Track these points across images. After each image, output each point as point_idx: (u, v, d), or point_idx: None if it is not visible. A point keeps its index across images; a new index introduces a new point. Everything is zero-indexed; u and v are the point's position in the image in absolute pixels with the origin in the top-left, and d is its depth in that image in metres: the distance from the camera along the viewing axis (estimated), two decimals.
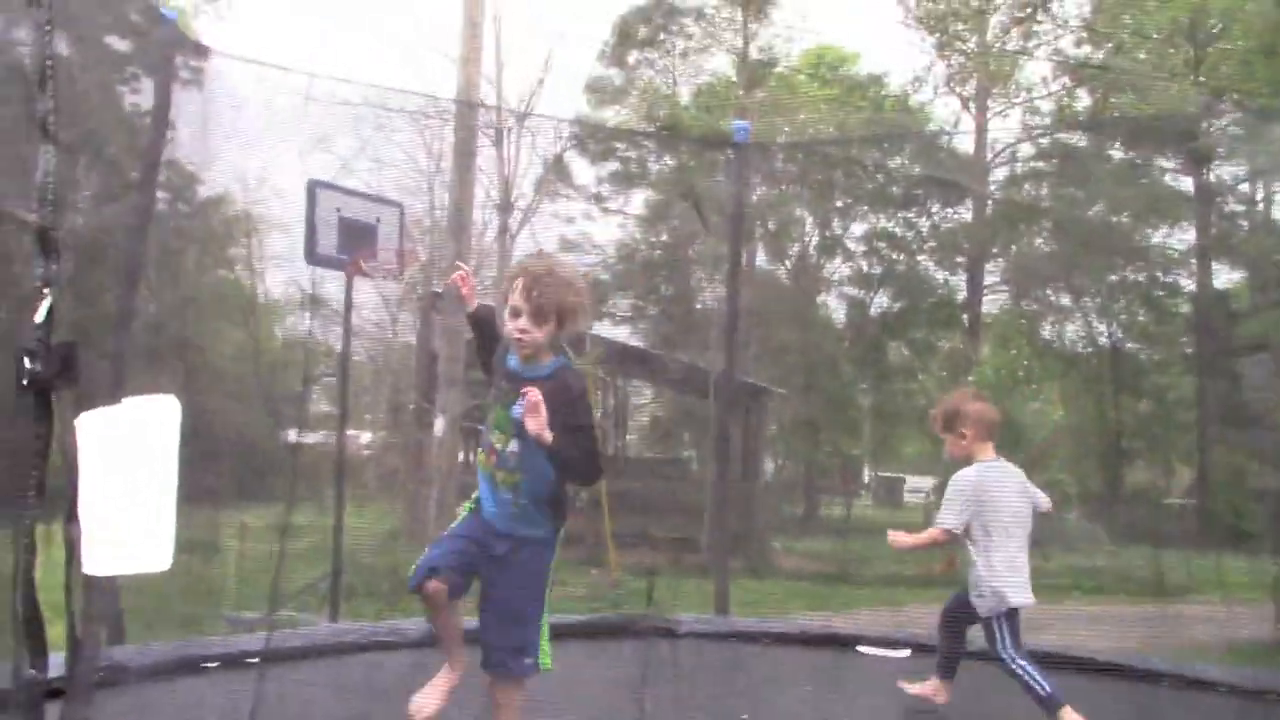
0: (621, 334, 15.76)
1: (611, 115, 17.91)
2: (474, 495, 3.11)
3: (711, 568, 7.07)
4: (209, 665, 4.00)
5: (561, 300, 2.73)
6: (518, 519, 3.02)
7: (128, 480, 1.69)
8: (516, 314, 2.74)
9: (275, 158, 5.26)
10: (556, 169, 14.59)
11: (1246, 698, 4.28)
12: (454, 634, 3.06)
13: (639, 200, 17.57)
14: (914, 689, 4.43)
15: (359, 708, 3.39)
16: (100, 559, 1.73)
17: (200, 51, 4.56)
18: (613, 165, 17.25)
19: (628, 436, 16.67)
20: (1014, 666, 3.92)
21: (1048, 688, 3.83)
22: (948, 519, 3.91)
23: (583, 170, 16.50)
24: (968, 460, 4.08)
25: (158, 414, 1.71)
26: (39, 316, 1.79)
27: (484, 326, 3.13)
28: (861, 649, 5.40)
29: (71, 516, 1.74)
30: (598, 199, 16.94)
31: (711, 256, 18.24)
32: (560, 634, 5.04)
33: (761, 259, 17.33)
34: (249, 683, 3.44)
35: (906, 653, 5.18)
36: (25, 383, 1.75)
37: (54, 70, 1.93)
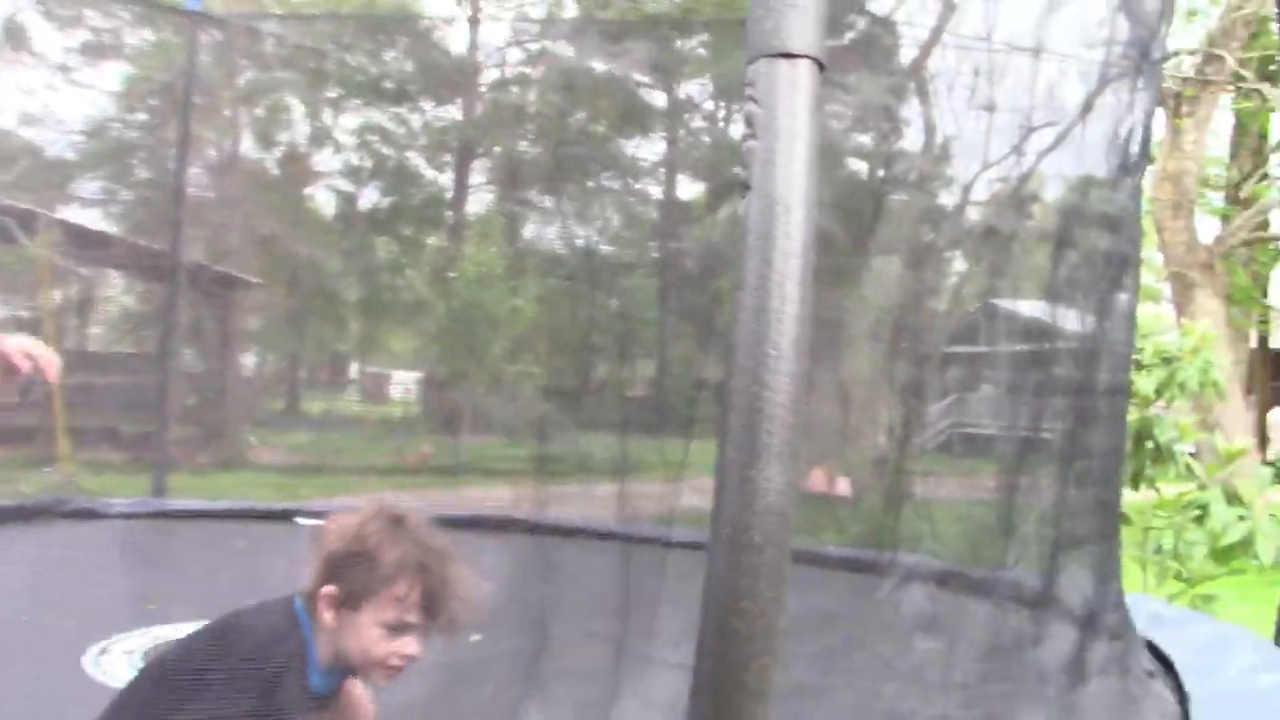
0: (92, 218, 14.70)
1: None
2: None
3: (161, 456, 6.89)
4: None
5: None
6: None
7: None
8: (403, 630, 1.98)
9: None
10: (12, 34, 13.19)
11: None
12: None
13: (114, 74, 16.32)
14: None
15: None
16: None
17: None
18: (83, 34, 15.84)
19: (90, 328, 15.57)
20: None
21: None
22: None
23: (47, 37, 15.04)
24: None
25: None
26: None
27: None
28: (299, 521, 5.52)
29: None
30: (64, 70, 15.49)
31: (193, 139, 17.26)
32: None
33: (249, 146, 16.72)
34: None
35: None
36: None
37: None
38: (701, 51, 17.30)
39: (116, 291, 17.28)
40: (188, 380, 13.83)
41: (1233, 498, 6.75)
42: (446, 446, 13.53)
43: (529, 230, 16.78)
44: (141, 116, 15.91)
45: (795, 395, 1.34)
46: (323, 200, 18.13)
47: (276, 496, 9.56)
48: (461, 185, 16.91)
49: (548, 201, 17.51)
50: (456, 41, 17.79)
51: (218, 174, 16.73)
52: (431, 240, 17.49)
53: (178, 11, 6.38)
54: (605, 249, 17.93)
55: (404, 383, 22.38)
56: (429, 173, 17.33)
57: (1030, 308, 3.43)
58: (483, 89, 17.14)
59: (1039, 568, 2.88)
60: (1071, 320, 3.23)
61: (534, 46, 17.22)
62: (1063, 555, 2.81)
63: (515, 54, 17.10)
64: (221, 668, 1.87)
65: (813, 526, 6.47)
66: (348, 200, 17.30)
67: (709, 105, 18.25)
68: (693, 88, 17.72)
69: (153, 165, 17.22)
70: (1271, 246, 17.66)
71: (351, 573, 1.92)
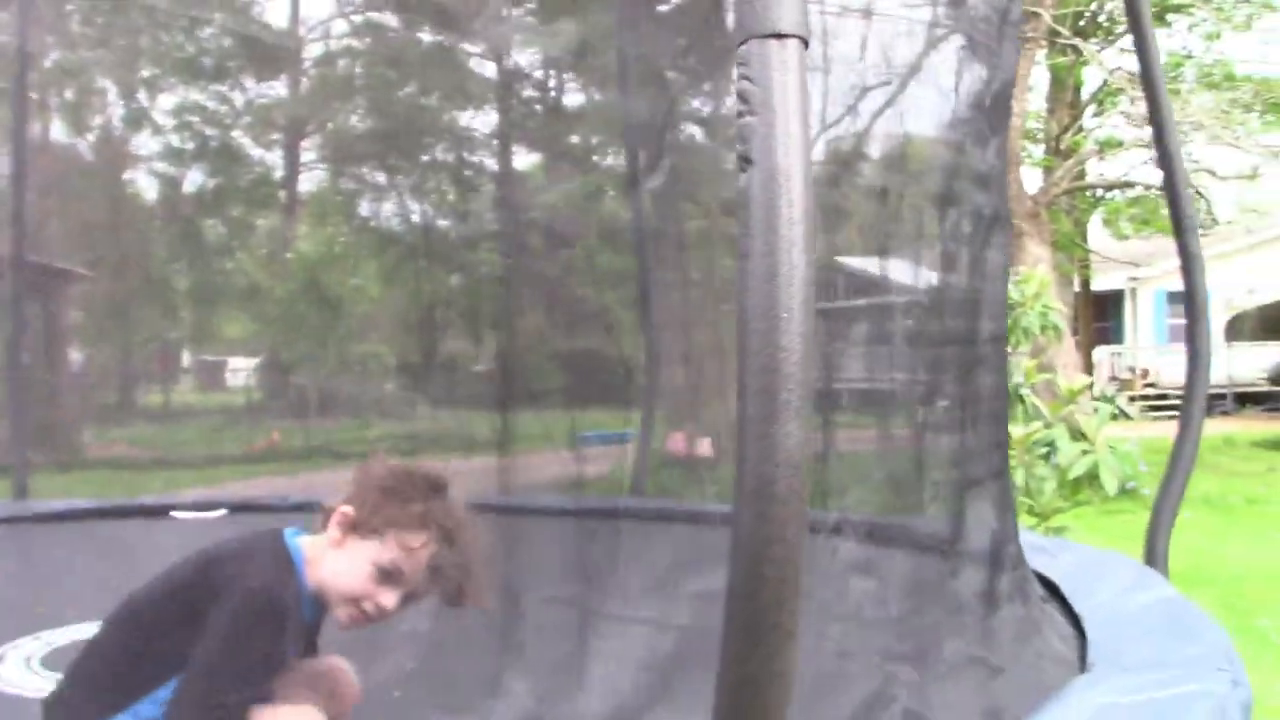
0: None
1: None
2: None
3: (21, 458, 6.65)
4: None
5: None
6: None
7: None
8: (392, 581, 1.92)
9: None
10: None
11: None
12: None
13: None
14: None
15: None
16: None
17: None
18: None
19: None
20: None
21: None
22: None
23: None
24: None
25: None
26: None
27: None
28: (175, 514, 5.42)
29: None
30: None
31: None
32: None
33: (58, 130, 15.98)
34: None
35: (222, 512, 5.29)
36: None
37: None
38: (530, 20, 17.22)
39: None
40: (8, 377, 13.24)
41: (1076, 434, 7.17)
42: (293, 431, 13.28)
43: (365, 207, 16.51)
44: None
45: (807, 354, 1.43)
46: (143, 184, 17.51)
47: (125, 492, 9.28)
48: (292, 164, 16.51)
49: (381, 177, 17.29)
50: (276, 15, 17.36)
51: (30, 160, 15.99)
52: (263, 221, 17.06)
53: None
54: (444, 223, 17.78)
55: (240, 369, 21.78)
56: (256, 152, 16.87)
57: (916, 263, 3.61)
58: (308, 63, 16.76)
59: (948, 508, 3.07)
60: (957, 274, 3.41)
61: (358, 19, 16.89)
62: (967, 494, 3.00)
63: (340, 26, 16.77)
64: (218, 605, 1.86)
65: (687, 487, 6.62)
66: (170, 183, 16.73)
67: (539, 74, 18.21)
68: (522, 58, 17.65)
69: None
70: (1089, 195, 18.72)
71: (377, 503, 1.94)
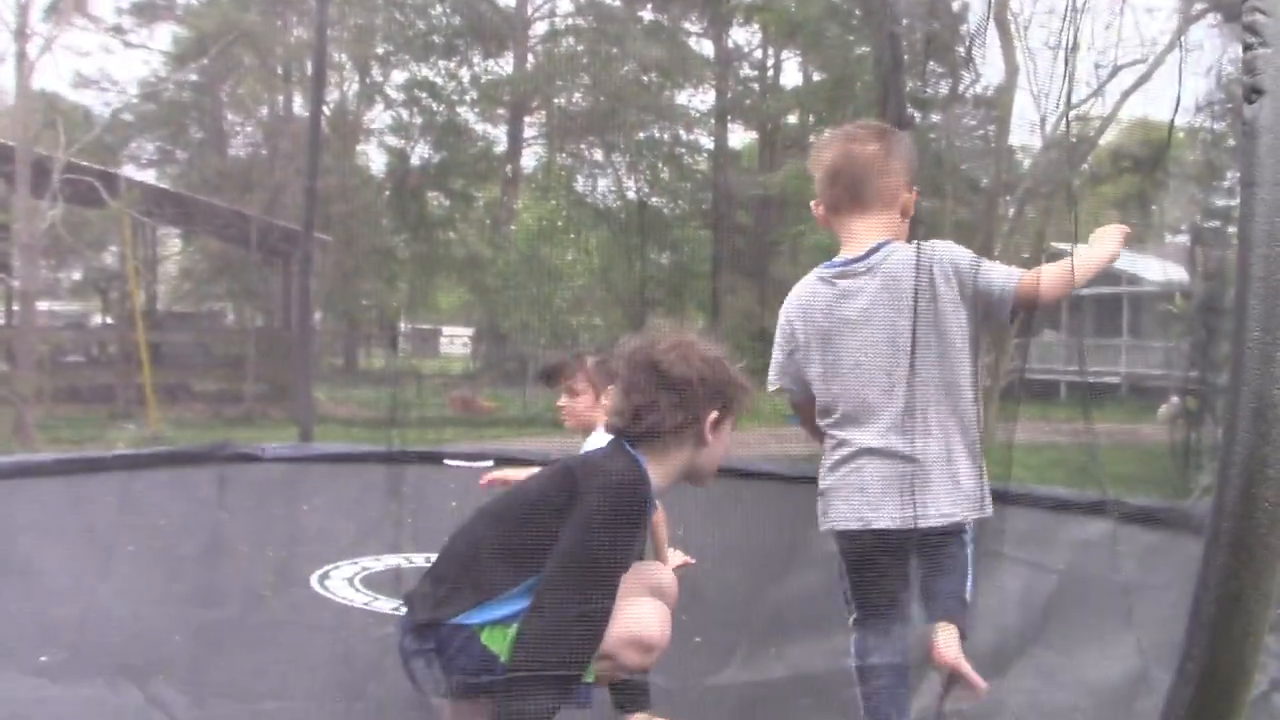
0: (148, 178, 14.69)
1: None
2: None
3: (307, 405, 7.01)
4: None
5: None
6: None
7: None
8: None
9: None
10: None
11: None
12: None
13: (164, 35, 16.36)
14: None
15: None
16: None
17: None
18: None
19: (158, 286, 15.69)
20: None
21: None
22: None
23: None
24: None
25: None
26: None
27: None
28: (448, 462, 5.67)
29: None
30: (118, 31, 15.39)
31: (249, 99, 17.30)
32: (136, 464, 4.93)
33: (298, 105, 16.73)
34: None
35: (489, 464, 5.50)
36: None
37: None
38: None
39: (174, 252, 17.41)
40: (257, 338, 13.94)
41: None
42: (510, 399, 13.61)
43: (582, 183, 16.74)
44: (193, 78, 15.84)
45: None
46: (373, 156, 18.24)
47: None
48: (515, 138, 16.93)
49: (599, 154, 17.51)
50: None
51: (271, 132, 16.78)
52: (483, 194, 17.51)
53: None
54: (657, 200, 17.91)
55: (453, 337, 22.45)
56: (480, 126, 17.35)
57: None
58: (533, 41, 17.13)
59: None
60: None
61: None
62: None
63: (564, 5, 17.01)
64: (583, 502, 2.03)
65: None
66: (398, 156, 17.31)
67: (758, 54, 18.14)
68: (741, 35, 17.61)
69: (205, 125, 17.31)
70: None
71: (727, 394, 2.10)
